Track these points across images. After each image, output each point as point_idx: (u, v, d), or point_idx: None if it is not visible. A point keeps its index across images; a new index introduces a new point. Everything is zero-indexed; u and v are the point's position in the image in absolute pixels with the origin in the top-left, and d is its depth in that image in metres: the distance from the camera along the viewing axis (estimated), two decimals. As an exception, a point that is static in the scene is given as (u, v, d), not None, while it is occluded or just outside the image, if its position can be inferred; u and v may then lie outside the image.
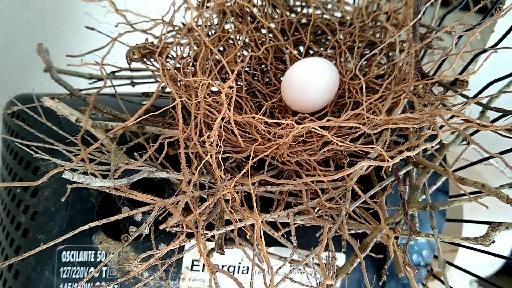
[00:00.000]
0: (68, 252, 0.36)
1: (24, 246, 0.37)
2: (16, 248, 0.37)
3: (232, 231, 0.32)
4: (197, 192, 0.34)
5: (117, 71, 0.44)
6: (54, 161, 0.37)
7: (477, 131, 0.38)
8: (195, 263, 0.38)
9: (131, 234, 0.32)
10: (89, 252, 0.36)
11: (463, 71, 0.39)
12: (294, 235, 0.33)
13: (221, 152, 0.31)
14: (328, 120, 0.33)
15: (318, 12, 0.44)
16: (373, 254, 0.38)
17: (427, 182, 0.38)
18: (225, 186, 0.30)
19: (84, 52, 0.40)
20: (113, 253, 0.35)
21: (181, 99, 0.34)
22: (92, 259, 0.36)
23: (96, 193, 0.37)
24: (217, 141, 0.31)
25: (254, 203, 0.30)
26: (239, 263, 0.39)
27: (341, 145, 0.32)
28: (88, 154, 0.34)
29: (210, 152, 0.30)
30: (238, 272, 0.39)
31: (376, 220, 0.36)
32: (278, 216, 0.34)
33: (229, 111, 0.32)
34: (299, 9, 0.46)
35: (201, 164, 0.31)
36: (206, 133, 0.33)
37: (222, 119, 0.32)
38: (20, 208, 0.38)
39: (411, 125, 0.32)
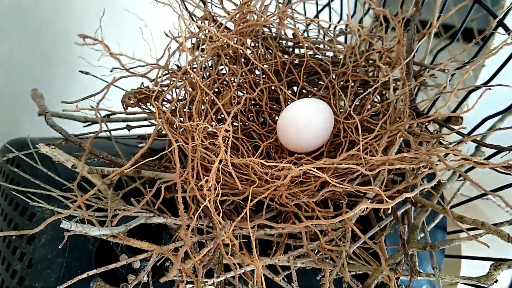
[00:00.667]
0: (66, 300, 0.35)
1: (20, 294, 0.36)
2: (11, 297, 0.37)
3: (233, 277, 0.31)
4: (195, 237, 0.33)
5: (112, 114, 0.44)
6: (50, 208, 0.37)
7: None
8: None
9: (129, 282, 0.32)
10: (87, 299, 0.36)
11: (457, 108, 0.40)
12: (295, 280, 0.33)
13: (219, 195, 0.31)
14: (325, 161, 0.33)
15: (311, 52, 0.45)
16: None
17: (425, 219, 0.38)
18: (224, 232, 0.30)
19: (79, 97, 0.40)
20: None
21: (177, 144, 0.34)
22: (90, 306, 0.36)
23: (94, 238, 0.37)
24: (215, 185, 0.31)
25: (254, 249, 0.30)
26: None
27: (339, 187, 0.32)
28: (85, 200, 0.34)
29: (208, 197, 0.30)
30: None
31: (376, 260, 0.36)
32: (279, 260, 0.34)
33: (226, 153, 0.32)
34: (292, 50, 0.47)
35: (199, 210, 0.31)
36: (203, 176, 0.33)
37: (220, 161, 0.32)
38: (16, 256, 0.38)
39: (408, 165, 0.32)
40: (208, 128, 0.34)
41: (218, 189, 0.31)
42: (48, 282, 0.35)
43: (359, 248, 0.36)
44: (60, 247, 0.34)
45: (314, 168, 0.32)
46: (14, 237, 0.39)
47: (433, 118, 0.36)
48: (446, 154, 0.40)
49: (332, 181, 0.31)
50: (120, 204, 0.35)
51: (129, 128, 0.43)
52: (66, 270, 0.36)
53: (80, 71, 0.43)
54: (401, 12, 0.43)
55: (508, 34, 0.35)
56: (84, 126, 0.47)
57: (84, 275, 0.32)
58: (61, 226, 0.28)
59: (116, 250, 0.33)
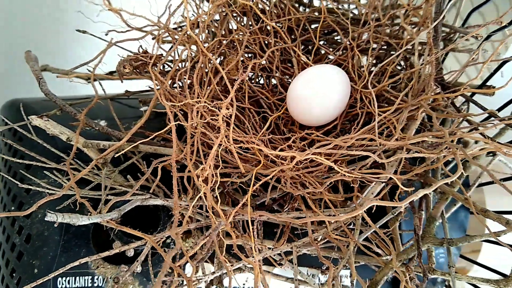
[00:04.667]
0: (64, 278, 0.34)
1: (19, 269, 0.35)
2: (11, 270, 0.36)
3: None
4: (193, 224, 0.31)
5: (112, 72, 0.41)
6: (45, 182, 0.35)
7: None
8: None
9: (123, 271, 0.30)
10: (86, 277, 0.35)
11: (487, 81, 0.35)
12: (295, 264, 0.31)
13: (218, 182, 0.28)
14: (334, 146, 0.30)
15: (329, 5, 0.40)
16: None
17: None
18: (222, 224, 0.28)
19: (75, 56, 0.38)
20: (111, 277, 0.34)
21: (176, 122, 0.31)
22: (89, 285, 0.35)
23: (91, 215, 0.35)
24: (214, 171, 0.28)
25: (255, 253, 0.27)
26: (243, 285, 0.37)
27: (349, 175, 0.29)
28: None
29: (205, 186, 0.28)
30: (242, 294, 0.37)
31: (389, 247, 0.33)
32: (281, 252, 0.32)
33: (227, 135, 0.29)
34: (307, 6, 0.42)
35: (196, 199, 0.28)
36: (202, 154, 0.31)
37: (220, 144, 0.29)
38: (15, 228, 0.37)
39: (430, 154, 0.29)
40: (209, 104, 0.31)
41: (218, 176, 0.28)
42: (46, 261, 0.34)
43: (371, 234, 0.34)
44: (55, 225, 0.32)
45: (323, 154, 0.29)
46: (13, 207, 0.38)
47: (461, 93, 0.32)
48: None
49: (343, 170, 0.28)
50: (116, 182, 0.33)
51: (128, 94, 0.40)
52: (63, 248, 0.35)
53: (77, 30, 0.40)
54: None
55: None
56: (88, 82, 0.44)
57: (85, 259, 0.30)
58: (46, 219, 0.27)
59: (111, 234, 0.32)
